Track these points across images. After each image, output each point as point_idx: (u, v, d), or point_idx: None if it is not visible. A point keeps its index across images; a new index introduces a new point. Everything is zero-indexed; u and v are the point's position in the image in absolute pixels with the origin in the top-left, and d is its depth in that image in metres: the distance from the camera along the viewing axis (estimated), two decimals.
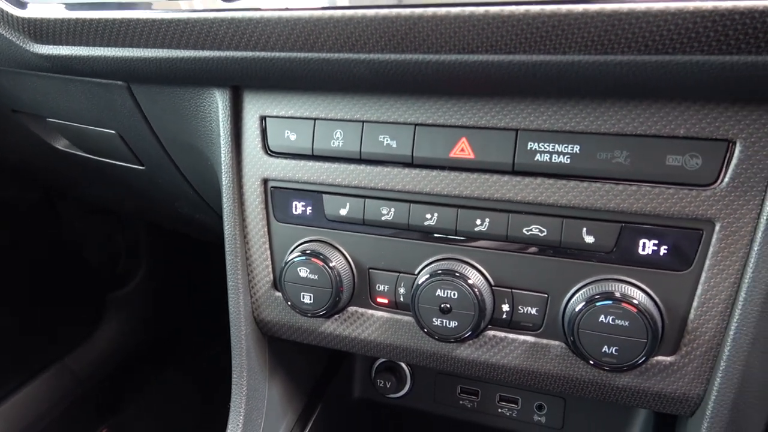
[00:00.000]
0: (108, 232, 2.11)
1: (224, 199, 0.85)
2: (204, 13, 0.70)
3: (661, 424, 0.88)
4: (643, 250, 0.68)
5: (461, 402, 1.06)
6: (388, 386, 1.06)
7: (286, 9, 0.66)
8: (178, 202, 1.24)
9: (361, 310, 0.82)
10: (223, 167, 0.85)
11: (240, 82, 0.79)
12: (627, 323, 0.66)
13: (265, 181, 0.84)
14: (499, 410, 1.03)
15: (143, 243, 2.17)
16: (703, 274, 0.66)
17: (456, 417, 1.05)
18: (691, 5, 0.52)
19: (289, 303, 0.81)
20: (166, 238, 2.16)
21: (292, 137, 0.81)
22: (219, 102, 0.83)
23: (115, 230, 2.13)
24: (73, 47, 0.80)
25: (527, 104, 0.69)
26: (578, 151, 0.68)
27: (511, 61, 0.60)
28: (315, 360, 1.05)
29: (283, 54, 0.68)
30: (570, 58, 0.58)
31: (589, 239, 0.69)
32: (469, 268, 0.74)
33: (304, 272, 0.80)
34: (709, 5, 0.51)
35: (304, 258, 0.79)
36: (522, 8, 0.56)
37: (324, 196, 0.81)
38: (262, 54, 0.69)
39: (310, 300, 0.80)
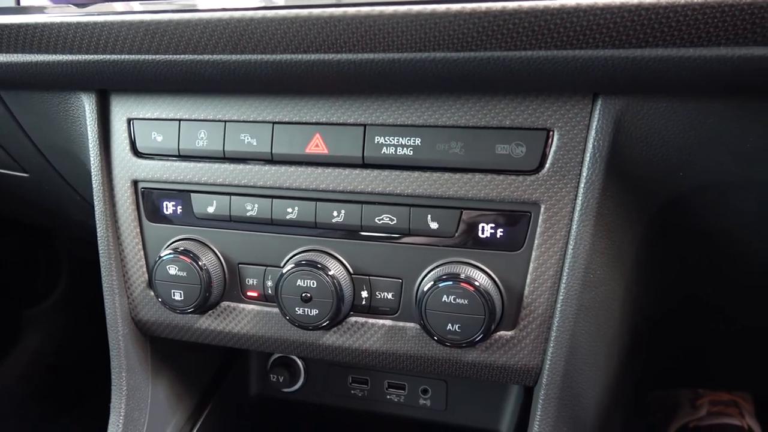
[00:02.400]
0: (27, 247, 2.05)
1: (95, 202, 0.86)
2: (54, 18, 0.71)
3: (526, 399, 0.95)
4: (482, 233, 0.73)
5: (353, 392, 1.09)
6: (281, 380, 1.09)
7: (131, 12, 0.68)
8: (69, 208, 1.23)
9: (233, 304, 0.84)
10: (92, 170, 0.86)
11: (99, 85, 0.80)
12: (466, 302, 0.71)
13: (135, 183, 0.85)
14: (388, 397, 1.08)
15: (63, 256, 2.11)
16: (533, 253, 0.71)
17: (348, 407, 1.09)
18: (483, 6, 0.58)
19: (160, 300, 0.83)
20: (86, 249, 2.11)
21: (159, 138, 0.82)
22: (86, 106, 0.84)
23: (35, 244, 2.07)
24: None
25: (374, 101, 0.73)
26: (420, 144, 0.73)
27: (338, 59, 0.64)
28: (206, 358, 1.06)
29: (132, 57, 0.70)
30: (392, 56, 0.63)
31: (434, 225, 0.74)
32: (329, 258, 0.78)
33: (173, 270, 0.82)
34: (498, 6, 0.57)
35: (172, 256, 0.81)
36: (340, 10, 0.61)
37: (192, 194, 0.83)
38: (113, 57, 0.71)
39: (181, 297, 0.82)
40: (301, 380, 1.11)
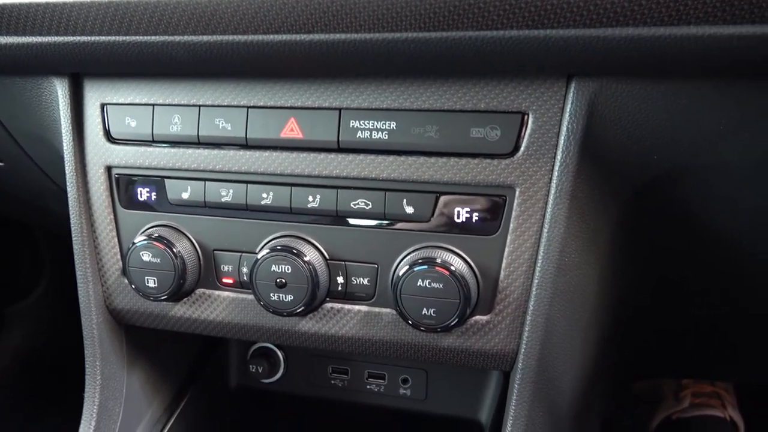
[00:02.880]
0: (9, 244, 2.02)
1: (68, 188, 0.85)
2: None
3: (505, 387, 0.94)
4: (457, 217, 0.73)
5: (333, 382, 1.09)
6: (261, 371, 1.08)
7: None
8: (47, 199, 1.21)
9: (208, 291, 0.83)
10: (65, 156, 0.84)
11: (71, 69, 0.79)
12: (441, 286, 0.71)
13: (109, 169, 0.84)
14: (368, 387, 1.07)
15: (45, 253, 2.09)
16: (509, 237, 0.71)
17: (329, 397, 1.08)
18: None
19: (133, 287, 0.82)
20: (68, 245, 2.09)
21: (133, 124, 0.81)
22: (59, 91, 0.83)
23: (16, 241, 2.04)
24: None
25: (349, 84, 0.73)
26: (395, 127, 0.72)
27: (310, 40, 0.63)
28: (183, 349, 1.05)
29: (103, 38, 0.69)
30: (364, 36, 0.62)
31: (410, 210, 0.74)
32: (304, 243, 0.77)
33: (147, 256, 0.81)
34: None
35: (146, 242, 0.80)
36: None
37: (166, 180, 0.82)
38: (83, 39, 0.70)
39: (155, 284, 0.81)
40: (281, 371, 1.10)
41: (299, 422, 1.11)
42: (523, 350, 0.72)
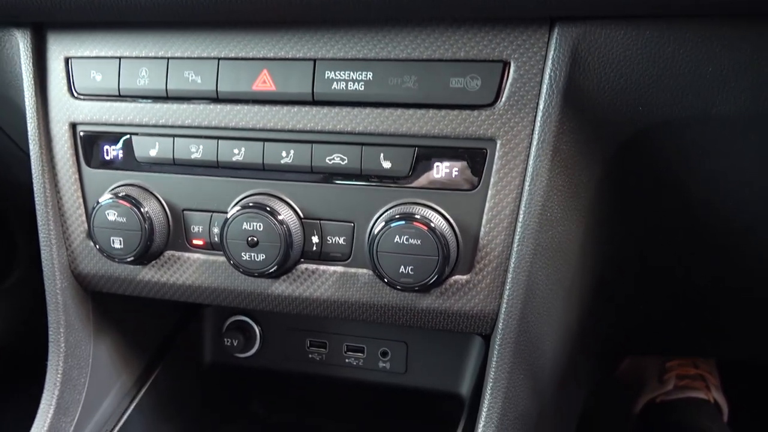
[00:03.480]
0: None
1: (31, 147, 0.81)
2: None
3: (486, 358, 0.92)
4: (437, 172, 0.70)
5: (310, 356, 1.06)
6: (236, 344, 1.04)
7: None
8: (14, 169, 1.17)
9: (177, 253, 0.80)
10: (27, 113, 0.81)
11: (31, 17, 0.75)
12: (419, 242, 0.68)
13: (74, 126, 0.80)
14: (347, 360, 1.04)
15: (20, 240, 2.03)
16: (489, 191, 0.69)
17: (306, 372, 1.05)
18: None
19: (98, 247, 0.78)
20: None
21: (98, 78, 0.78)
22: (20, 44, 0.79)
23: None
24: None
25: (324, 34, 0.70)
26: (371, 78, 0.69)
27: None
28: (155, 320, 1.01)
29: None
30: None
31: (387, 164, 0.71)
32: (278, 201, 0.74)
33: (112, 216, 0.77)
34: None
35: (111, 201, 0.77)
36: None
37: (133, 137, 0.79)
38: None
39: (120, 245, 0.77)
40: (257, 345, 1.07)
41: (276, 397, 1.08)
42: (503, 310, 0.69)
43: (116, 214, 0.77)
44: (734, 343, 1.12)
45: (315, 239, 0.75)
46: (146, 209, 0.77)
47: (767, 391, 1.65)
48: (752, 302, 1.01)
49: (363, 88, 0.70)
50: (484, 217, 0.69)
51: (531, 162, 0.66)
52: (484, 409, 0.71)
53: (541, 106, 0.65)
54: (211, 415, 1.07)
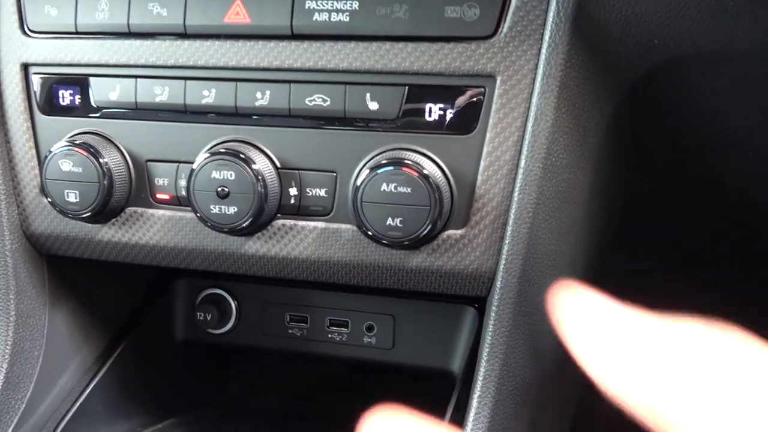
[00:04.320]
0: None
1: None
2: None
3: (479, 333, 0.85)
4: (429, 114, 0.63)
5: (290, 331, 0.98)
6: (209, 319, 0.96)
7: None
8: None
9: (140, 210, 0.72)
10: None
11: None
12: (409, 190, 0.61)
13: (25, 67, 0.72)
14: (329, 336, 0.97)
15: None
16: (488, 135, 0.61)
17: (286, 348, 0.98)
18: None
19: (49, 200, 0.70)
20: None
21: (53, 12, 0.70)
22: None
23: None
24: None
25: None
26: (357, 8, 0.62)
27: None
28: (121, 290, 0.93)
29: None
30: None
31: (373, 106, 0.64)
32: (251, 149, 0.66)
33: (66, 166, 0.69)
34: None
35: (66, 149, 0.69)
36: None
37: (91, 79, 0.71)
38: None
39: (76, 198, 0.69)
40: (233, 320, 0.99)
41: (253, 376, 1.00)
42: (502, 268, 0.62)
43: (71, 164, 0.69)
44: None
45: (293, 191, 0.67)
46: (105, 159, 0.69)
47: None
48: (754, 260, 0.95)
49: (348, 19, 0.62)
50: (482, 164, 0.62)
51: (535, 100, 0.59)
52: (480, 378, 0.63)
53: (546, 37, 0.58)
54: (182, 397, 0.99)
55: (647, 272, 0.87)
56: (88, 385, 0.84)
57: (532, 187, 0.61)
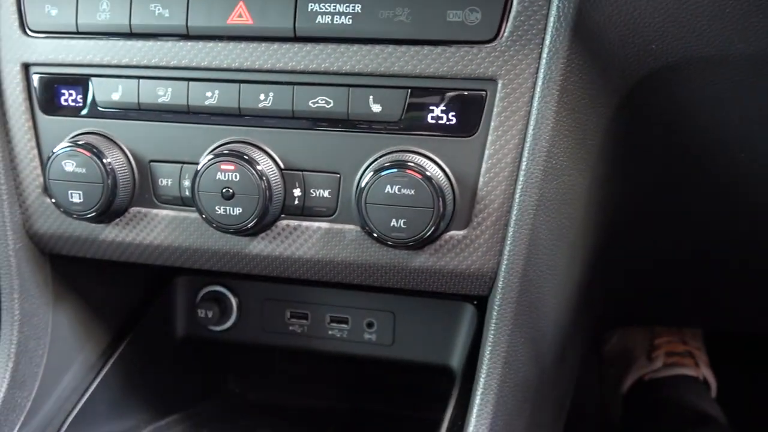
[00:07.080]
0: None
1: None
2: None
3: (479, 329, 0.87)
4: (431, 117, 0.64)
5: (291, 328, 0.99)
6: (210, 316, 0.97)
7: None
8: None
9: (144, 210, 0.72)
10: None
11: None
12: (413, 191, 0.62)
13: (26, 67, 0.72)
14: (330, 332, 0.98)
15: None
16: (489, 137, 0.62)
17: (287, 345, 0.99)
18: None
19: (53, 201, 0.71)
20: None
21: (54, 12, 0.70)
22: None
23: None
24: None
25: None
26: (360, 11, 0.63)
27: None
28: (123, 288, 0.94)
29: None
30: None
31: (377, 108, 0.64)
32: (255, 150, 0.67)
33: (70, 166, 0.69)
34: None
35: (69, 149, 0.69)
36: None
37: (93, 79, 0.71)
38: None
39: (80, 199, 0.70)
40: (233, 317, 1.00)
41: (253, 373, 1.01)
42: (504, 267, 0.64)
43: (74, 164, 0.69)
44: (724, 313, 1.08)
45: (297, 192, 0.68)
46: (109, 160, 0.69)
47: (754, 367, 1.64)
48: (750, 270, 0.97)
49: (350, 22, 0.63)
50: (483, 166, 0.63)
51: (535, 104, 0.60)
52: (482, 376, 0.65)
53: (547, 42, 0.59)
54: (184, 393, 1.00)
55: (647, 272, 0.89)
56: (92, 383, 0.85)
57: (533, 188, 0.62)
